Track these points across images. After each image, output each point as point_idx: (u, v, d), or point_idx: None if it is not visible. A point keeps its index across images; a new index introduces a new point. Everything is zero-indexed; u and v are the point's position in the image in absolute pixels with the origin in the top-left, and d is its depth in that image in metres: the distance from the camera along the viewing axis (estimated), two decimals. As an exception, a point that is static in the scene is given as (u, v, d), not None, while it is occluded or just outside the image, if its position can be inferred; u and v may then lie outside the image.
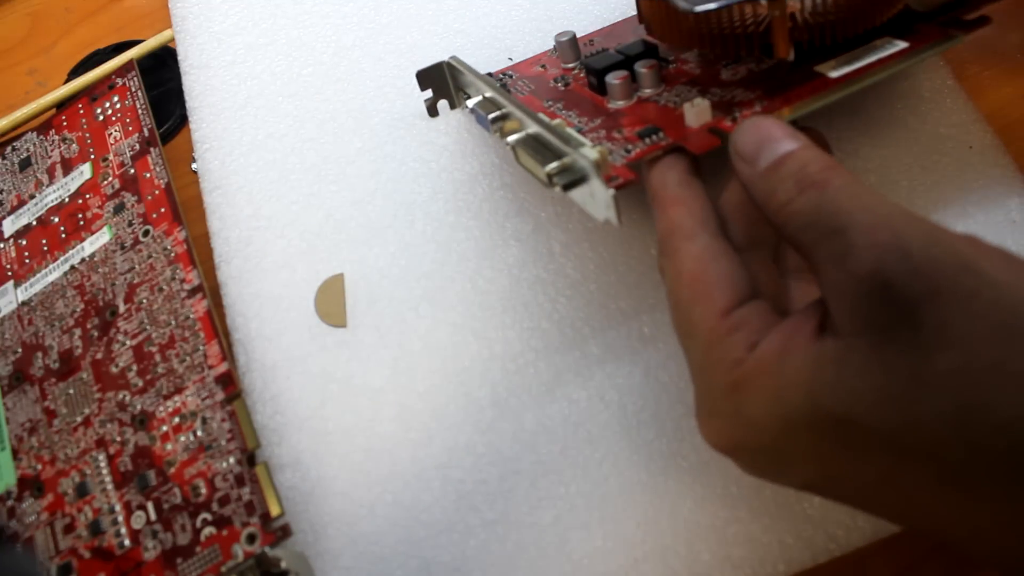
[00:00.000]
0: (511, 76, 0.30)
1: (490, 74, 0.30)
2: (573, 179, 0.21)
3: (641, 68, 0.25)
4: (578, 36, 0.29)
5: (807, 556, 0.24)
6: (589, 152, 0.20)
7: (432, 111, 0.29)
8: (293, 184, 0.31)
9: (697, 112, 0.23)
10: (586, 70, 0.27)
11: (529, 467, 0.26)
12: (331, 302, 0.29)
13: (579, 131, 0.24)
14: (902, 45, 0.24)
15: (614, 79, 0.25)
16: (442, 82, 0.29)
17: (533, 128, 0.23)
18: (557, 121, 0.22)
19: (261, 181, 0.31)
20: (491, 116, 0.25)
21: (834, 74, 0.23)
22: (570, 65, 0.29)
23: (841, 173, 0.19)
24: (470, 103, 0.26)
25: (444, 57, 0.30)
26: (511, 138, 0.23)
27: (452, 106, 0.29)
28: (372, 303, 0.29)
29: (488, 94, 0.26)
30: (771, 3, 0.23)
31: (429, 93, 0.29)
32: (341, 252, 0.30)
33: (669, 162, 0.22)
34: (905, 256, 0.17)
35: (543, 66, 0.30)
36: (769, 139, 0.20)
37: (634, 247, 0.28)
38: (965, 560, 0.25)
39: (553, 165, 0.21)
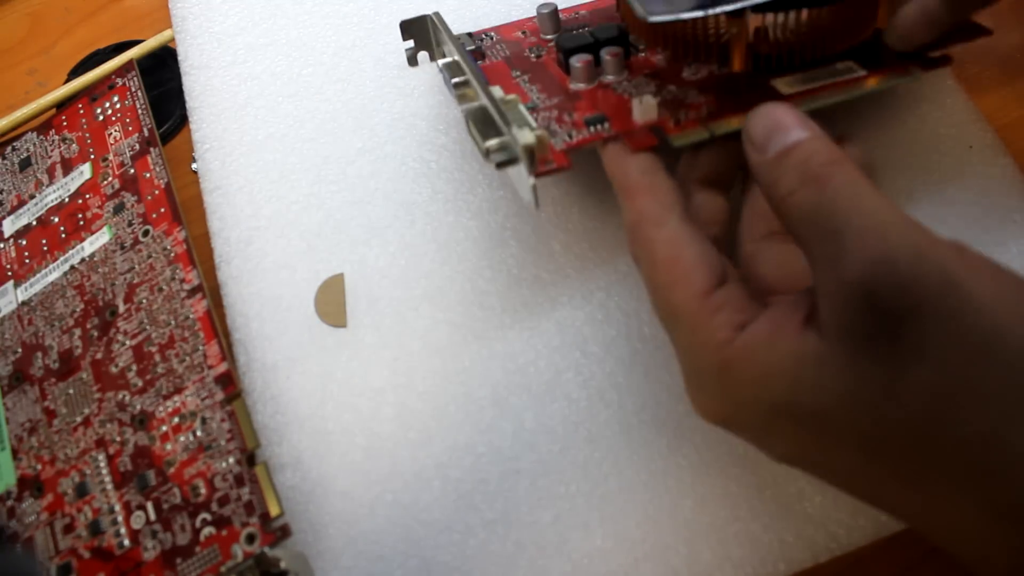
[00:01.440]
0: (491, 37, 0.30)
1: (470, 34, 0.30)
2: (507, 159, 0.22)
3: (606, 55, 0.26)
4: (565, 8, 0.30)
5: (808, 555, 0.24)
6: (524, 136, 0.21)
7: (412, 61, 0.30)
8: (293, 184, 0.31)
9: (644, 109, 0.23)
10: (556, 47, 0.27)
11: (529, 466, 0.26)
12: (331, 302, 0.29)
13: (533, 108, 0.25)
14: (861, 73, 0.24)
15: (577, 62, 0.26)
16: (424, 35, 0.30)
17: (485, 101, 0.24)
18: (512, 97, 0.23)
19: (261, 181, 0.31)
20: (454, 80, 0.25)
21: (787, 91, 0.24)
22: (548, 37, 0.29)
23: (844, 170, 0.19)
24: (440, 62, 0.27)
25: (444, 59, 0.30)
26: (464, 107, 0.24)
27: (431, 58, 0.30)
28: (372, 303, 0.29)
29: (456, 58, 0.26)
30: (730, 21, 0.23)
31: (411, 43, 0.30)
32: (341, 252, 0.30)
33: (628, 150, 0.23)
34: (892, 269, 0.17)
35: (524, 32, 0.30)
36: (779, 127, 0.20)
37: (634, 247, 0.28)
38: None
39: (492, 142, 0.22)
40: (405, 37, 0.29)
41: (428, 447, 0.26)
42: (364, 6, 0.35)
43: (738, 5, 0.23)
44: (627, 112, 0.24)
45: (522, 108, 0.23)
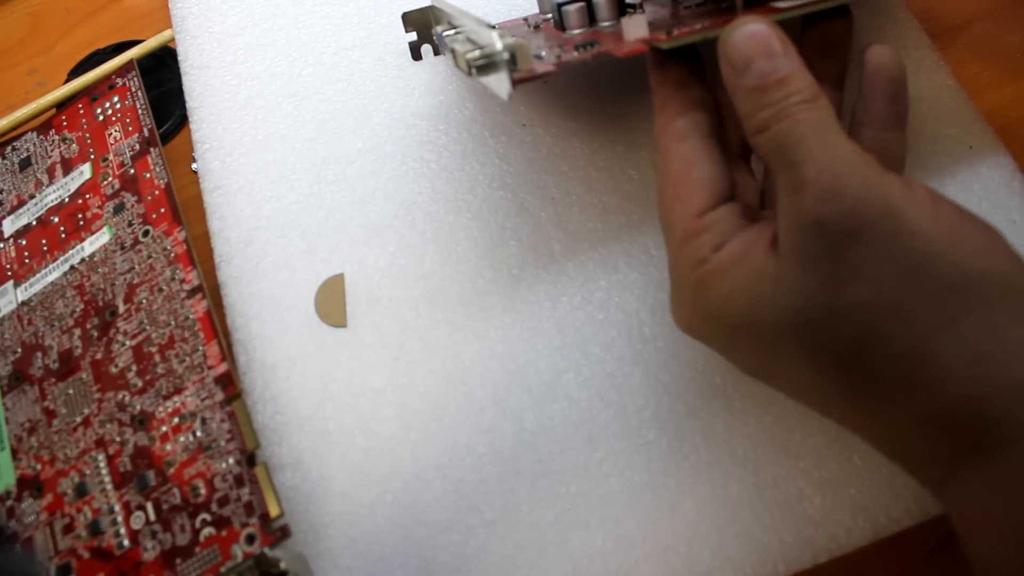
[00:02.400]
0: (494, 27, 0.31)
1: None
2: (486, 63, 0.22)
3: (599, 0, 0.26)
4: None
5: (807, 556, 0.24)
6: (505, 39, 0.21)
7: (415, 54, 0.31)
8: (293, 184, 0.31)
9: (633, 23, 0.23)
10: (552, 9, 0.28)
11: (529, 467, 0.26)
12: (331, 302, 0.29)
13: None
14: None
15: (570, 8, 0.26)
16: (426, 26, 0.30)
17: (468, 28, 0.24)
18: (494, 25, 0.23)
19: (261, 181, 0.31)
20: (445, 34, 0.26)
21: (783, 4, 0.24)
22: (547, 16, 0.30)
23: (816, 107, 0.20)
24: (436, 29, 0.28)
25: (445, 59, 0.30)
26: (453, 44, 0.24)
27: (435, 52, 0.30)
28: (372, 303, 0.29)
29: (451, 18, 0.27)
30: None
31: (413, 35, 0.30)
32: (341, 252, 0.30)
33: (671, 59, 0.23)
34: (840, 198, 0.19)
35: (525, 18, 0.31)
36: (761, 54, 0.21)
37: (634, 247, 0.28)
38: (964, 561, 0.25)
39: (474, 52, 0.22)
40: (408, 29, 0.30)
41: (428, 447, 0.26)
42: (364, 6, 0.34)
43: None
44: (619, 39, 0.24)
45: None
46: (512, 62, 0.21)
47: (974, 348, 0.19)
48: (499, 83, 0.22)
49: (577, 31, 0.26)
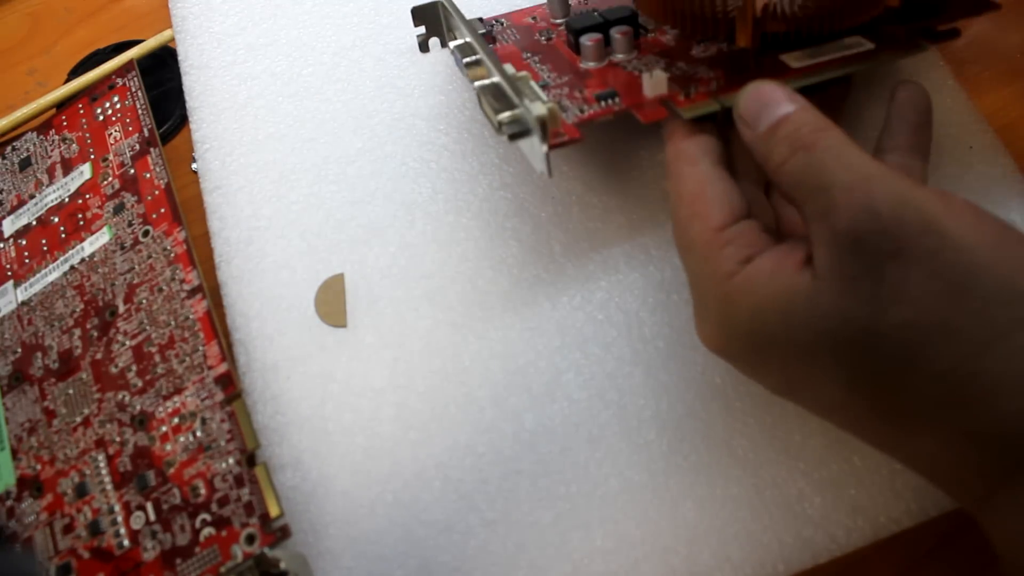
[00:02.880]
0: (502, 23, 0.31)
1: (481, 19, 0.31)
2: (519, 131, 0.23)
3: (616, 34, 0.26)
4: None
5: (807, 556, 0.24)
6: (536, 108, 0.21)
7: (423, 47, 0.31)
8: (293, 184, 0.31)
9: (654, 83, 0.24)
10: (566, 28, 0.28)
11: (529, 467, 0.26)
12: (331, 302, 0.29)
13: (545, 85, 0.26)
14: (868, 46, 0.24)
15: (587, 41, 0.26)
16: (435, 20, 0.30)
17: (497, 78, 0.24)
18: (522, 73, 0.24)
19: (261, 181, 0.31)
20: (465, 60, 0.26)
21: (795, 64, 0.24)
22: (558, 21, 0.30)
23: (830, 134, 0.20)
24: (452, 44, 0.28)
25: (445, 59, 0.30)
26: (477, 84, 0.25)
27: (443, 44, 0.31)
28: (372, 303, 0.29)
29: (468, 39, 0.27)
30: None
31: (422, 29, 0.30)
32: (341, 252, 0.30)
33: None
34: (875, 216, 0.19)
35: (534, 18, 0.31)
36: (768, 103, 0.21)
37: (634, 247, 0.28)
38: (964, 562, 0.25)
39: (505, 115, 0.23)
40: (416, 23, 0.30)
41: (428, 447, 0.26)
42: (364, 6, 0.34)
43: None
44: (637, 87, 0.24)
45: (533, 84, 0.24)
46: (544, 134, 0.21)
47: None
48: (535, 156, 0.22)
49: (592, 64, 0.26)
